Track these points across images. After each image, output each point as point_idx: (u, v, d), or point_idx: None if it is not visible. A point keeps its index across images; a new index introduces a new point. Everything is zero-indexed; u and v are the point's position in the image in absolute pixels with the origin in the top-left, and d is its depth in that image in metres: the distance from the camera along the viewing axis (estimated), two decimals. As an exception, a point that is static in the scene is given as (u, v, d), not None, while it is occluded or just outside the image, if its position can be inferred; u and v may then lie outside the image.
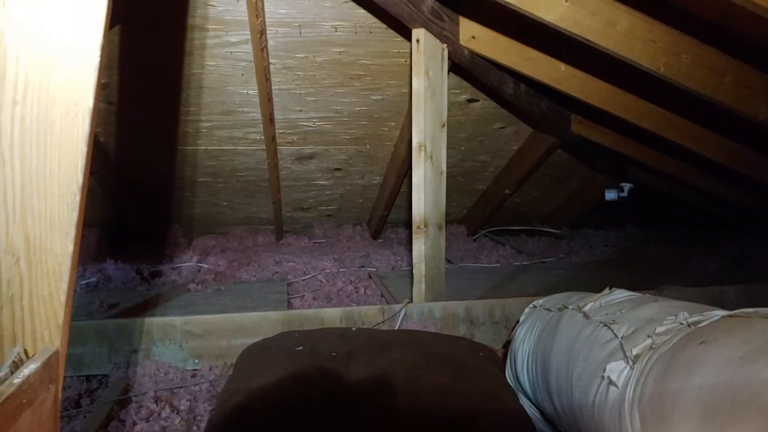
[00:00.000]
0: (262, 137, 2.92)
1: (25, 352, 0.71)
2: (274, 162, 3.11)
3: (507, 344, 2.10)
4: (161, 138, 2.94)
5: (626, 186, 3.56)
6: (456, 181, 3.56)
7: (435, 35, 2.17)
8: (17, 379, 0.62)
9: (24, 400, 0.62)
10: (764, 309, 1.04)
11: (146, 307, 2.39)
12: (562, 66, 2.30)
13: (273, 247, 3.66)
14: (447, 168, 2.30)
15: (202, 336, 2.08)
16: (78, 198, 0.72)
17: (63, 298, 0.73)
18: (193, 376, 2.03)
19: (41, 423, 0.65)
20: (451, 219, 3.95)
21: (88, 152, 0.72)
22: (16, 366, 0.66)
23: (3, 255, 0.71)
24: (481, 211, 3.91)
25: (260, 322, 2.11)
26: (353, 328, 2.00)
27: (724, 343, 0.96)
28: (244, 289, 2.72)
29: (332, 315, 2.18)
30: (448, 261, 2.57)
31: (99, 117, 2.69)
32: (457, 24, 2.22)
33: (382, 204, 3.58)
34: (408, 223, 3.72)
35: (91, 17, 0.72)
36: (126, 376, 1.99)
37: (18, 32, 0.70)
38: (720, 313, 1.11)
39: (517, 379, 1.75)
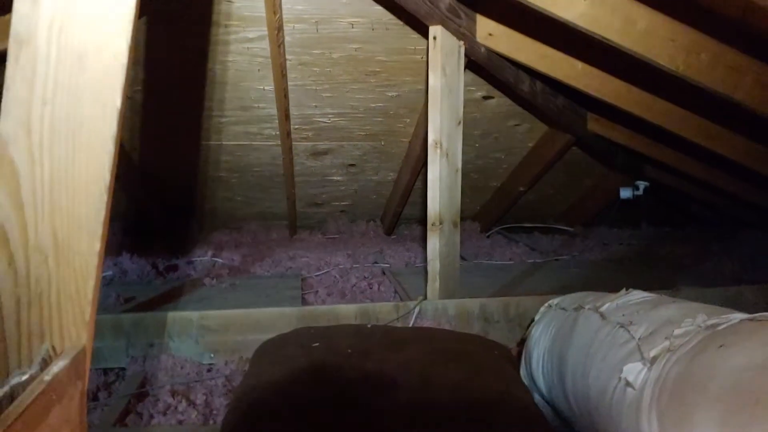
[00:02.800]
0: (278, 133, 2.93)
1: (53, 348, 0.72)
2: (289, 157, 3.12)
3: (521, 342, 2.10)
4: (177, 133, 2.96)
5: (642, 184, 3.54)
6: (470, 178, 3.55)
7: (452, 32, 2.17)
8: (47, 377, 0.63)
9: (54, 397, 0.63)
10: (784, 313, 1.03)
11: (162, 301, 2.41)
12: (579, 64, 2.29)
13: (286, 242, 3.68)
14: (461, 165, 2.30)
15: (218, 331, 2.10)
16: (105, 197, 0.73)
17: (90, 295, 0.74)
18: (209, 371, 2.05)
19: (69, 418, 0.67)
20: (464, 215, 3.92)
21: (115, 152, 0.73)
22: (46, 363, 0.67)
23: (32, 253, 0.72)
24: (495, 208, 3.91)
25: (276, 318, 2.12)
26: (368, 325, 2.01)
27: (743, 346, 0.96)
28: (258, 284, 2.73)
29: (347, 311, 2.18)
30: (461, 258, 2.56)
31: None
32: (474, 21, 2.21)
33: (396, 200, 3.59)
34: (422, 220, 3.72)
35: (119, 19, 0.73)
36: (143, 369, 2.01)
37: (49, 33, 0.71)
38: (739, 316, 1.11)
39: (531, 377, 1.75)
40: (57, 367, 0.65)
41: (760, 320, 1.04)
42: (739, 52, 1.92)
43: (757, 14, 1.63)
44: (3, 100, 0.71)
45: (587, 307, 1.54)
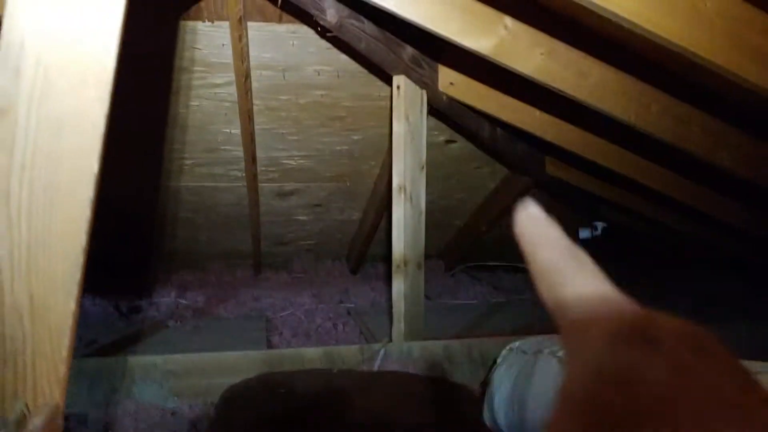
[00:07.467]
0: (243, 174, 2.95)
1: (26, 406, 0.74)
2: (255, 198, 3.14)
3: (485, 382, 2.14)
4: (141, 173, 2.96)
5: (600, 224, 3.64)
6: (434, 217, 3.59)
7: (415, 81, 2.25)
8: (23, 437, 0.65)
9: (29, 456, 0.65)
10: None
11: (125, 344, 2.39)
12: (537, 112, 2.38)
13: (251, 281, 3.67)
14: (425, 204, 2.35)
15: (182, 375, 2.09)
16: (81, 259, 0.75)
17: (64, 353, 0.76)
18: (173, 414, 2.03)
19: (43, 477, 0.68)
20: (429, 253, 3.97)
21: (91, 215, 0.76)
22: (20, 422, 0.69)
23: (7, 312, 0.74)
24: (459, 246, 3.97)
25: (241, 361, 2.12)
26: (334, 370, 2.03)
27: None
28: (222, 326, 2.73)
29: (312, 355, 2.20)
30: (426, 297, 2.61)
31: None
32: (436, 71, 2.29)
33: (361, 239, 3.62)
34: (387, 258, 3.76)
35: (98, 86, 0.76)
36: (106, 414, 1.98)
37: (29, 103, 0.74)
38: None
39: (494, 419, 1.79)
40: (33, 426, 0.67)
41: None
42: (684, 104, 2.03)
43: (699, 71, 1.73)
44: (-18, 165, 0.74)
45: (546, 351, 1.59)
